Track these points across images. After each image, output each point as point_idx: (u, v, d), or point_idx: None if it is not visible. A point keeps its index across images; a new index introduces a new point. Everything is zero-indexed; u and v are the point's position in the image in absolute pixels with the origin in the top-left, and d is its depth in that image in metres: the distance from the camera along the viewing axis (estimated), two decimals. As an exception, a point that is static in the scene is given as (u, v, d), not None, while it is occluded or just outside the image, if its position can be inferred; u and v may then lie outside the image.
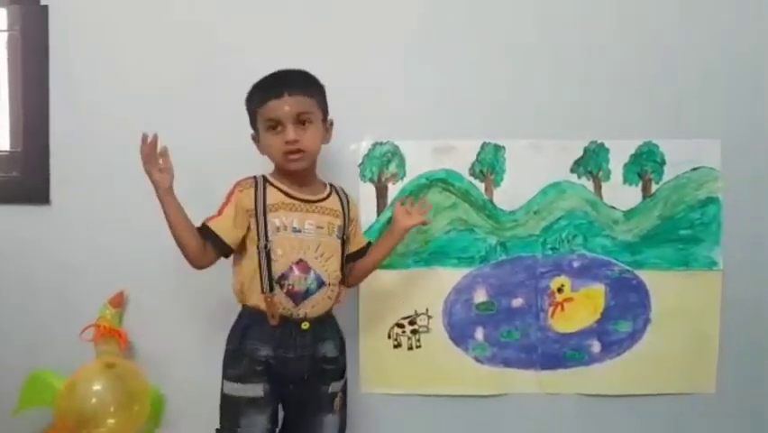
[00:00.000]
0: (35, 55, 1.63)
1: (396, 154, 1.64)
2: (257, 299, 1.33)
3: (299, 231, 1.34)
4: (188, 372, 1.63)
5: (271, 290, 1.32)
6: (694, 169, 1.65)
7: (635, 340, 1.66)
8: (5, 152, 1.67)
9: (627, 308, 1.66)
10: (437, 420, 1.67)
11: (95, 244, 1.63)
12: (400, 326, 1.65)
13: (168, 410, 1.64)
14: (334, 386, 1.40)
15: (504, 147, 1.64)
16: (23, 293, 1.64)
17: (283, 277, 1.32)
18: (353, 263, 1.46)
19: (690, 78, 1.66)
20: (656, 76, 1.65)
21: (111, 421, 1.49)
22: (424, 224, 1.50)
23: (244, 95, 1.54)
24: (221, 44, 1.63)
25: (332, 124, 1.43)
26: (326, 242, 1.36)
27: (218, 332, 1.54)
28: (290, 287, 1.32)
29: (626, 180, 1.65)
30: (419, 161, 1.64)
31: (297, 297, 1.33)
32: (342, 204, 1.42)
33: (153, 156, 1.30)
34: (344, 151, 1.64)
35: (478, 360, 1.65)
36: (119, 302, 1.61)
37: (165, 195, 1.30)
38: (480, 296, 1.65)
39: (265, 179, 1.38)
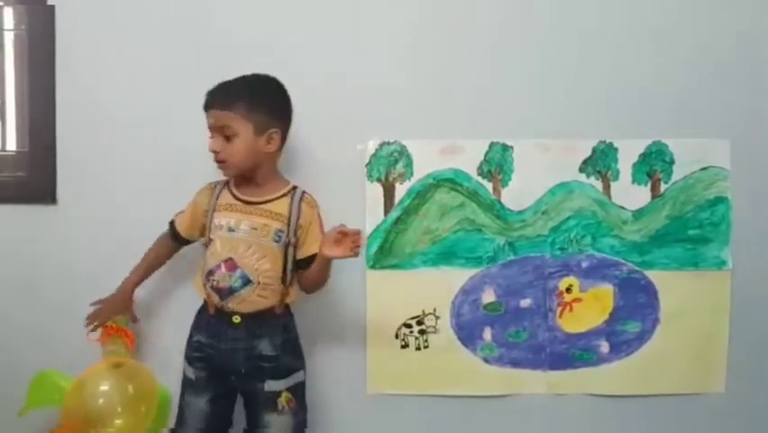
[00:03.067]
0: (42, 55, 1.62)
1: (403, 154, 1.64)
2: (201, 290, 1.45)
3: (234, 231, 1.40)
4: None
5: (204, 284, 1.42)
6: (703, 168, 1.64)
7: (644, 340, 1.65)
8: (12, 151, 1.68)
9: (636, 308, 1.65)
10: (445, 421, 1.66)
11: (101, 244, 1.63)
12: (408, 326, 1.65)
13: (174, 410, 1.63)
14: (271, 384, 1.41)
15: (512, 147, 1.63)
16: (30, 292, 1.64)
17: (210, 273, 1.40)
18: (304, 271, 1.44)
19: (700, 78, 1.65)
20: (665, 75, 1.65)
21: (118, 421, 1.48)
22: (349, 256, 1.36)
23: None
24: (228, 44, 1.63)
25: (275, 134, 1.41)
26: (260, 243, 1.39)
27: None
28: (215, 282, 1.39)
29: (634, 180, 1.64)
30: (427, 161, 1.63)
31: (222, 293, 1.39)
32: (290, 209, 1.41)
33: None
34: (351, 150, 1.63)
35: (486, 360, 1.65)
36: (126, 302, 1.61)
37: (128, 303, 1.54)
38: (488, 296, 1.65)
39: (226, 183, 1.47)
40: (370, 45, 1.64)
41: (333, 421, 1.65)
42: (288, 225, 1.41)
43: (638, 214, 1.64)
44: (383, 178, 1.64)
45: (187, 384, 1.47)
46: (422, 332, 1.65)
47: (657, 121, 1.65)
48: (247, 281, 1.38)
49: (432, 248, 1.63)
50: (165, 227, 1.56)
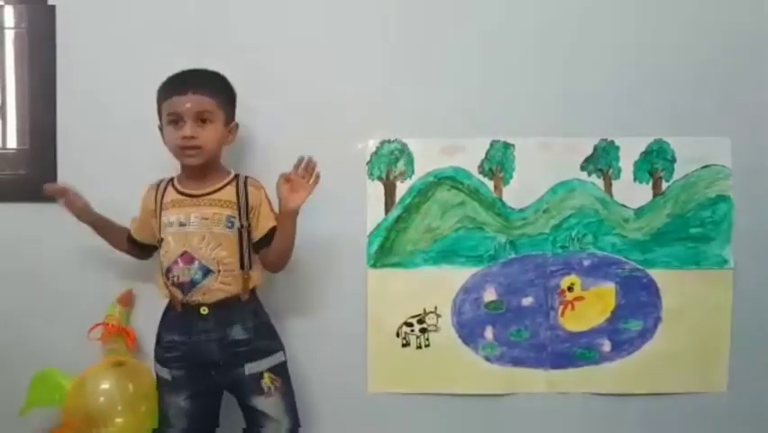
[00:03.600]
0: (42, 53, 1.62)
1: (404, 152, 1.64)
2: (162, 290, 1.45)
3: (185, 225, 1.40)
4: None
5: (165, 282, 1.42)
6: (705, 167, 1.64)
7: (646, 339, 1.65)
8: (13, 149, 1.67)
9: (638, 306, 1.64)
10: (446, 420, 1.66)
11: (103, 243, 1.62)
12: (409, 325, 1.64)
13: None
14: (251, 367, 1.42)
15: (513, 145, 1.63)
16: (31, 291, 1.64)
17: (169, 270, 1.41)
18: (266, 249, 1.44)
19: (701, 76, 1.64)
20: (666, 73, 1.64)
21: (119, 420, 1.48)
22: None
23: (253, 94, 1.55)
24: (228, 43, 1.63)
25: (237, 127, 1.47)
26: (213, 232, 1.40)
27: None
28: (175, 278, 1.40)
29: (636, 178, 1.64)
30: (427, 159, 1.63)
31: (184, 287, 1.39)
32: (238, 194, 1.42)
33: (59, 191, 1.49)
34: (352, 149, 1.63)
35: (487, 359, 1.64)
36: (127, 300, 1.61)
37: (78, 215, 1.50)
38: (490, 295, 1.64)
39: (169, 181, 1.47)
40: (371, 43, 1.64)
41: (334, 420, 1.65)
42: (239, 209, 1.42)
43: (640, 212, 1.64)
44: (384, 176, 1.63)
45: (164, 385, 1.46)
46: (423, 331, 1.64)
47: (659, 119, 1.64)
48: (207, 272, 1.38)
49: (433, 246, 1.63)
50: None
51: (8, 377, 1.59)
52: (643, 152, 1.63)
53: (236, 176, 1.46)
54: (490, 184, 1.64)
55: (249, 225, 1.42)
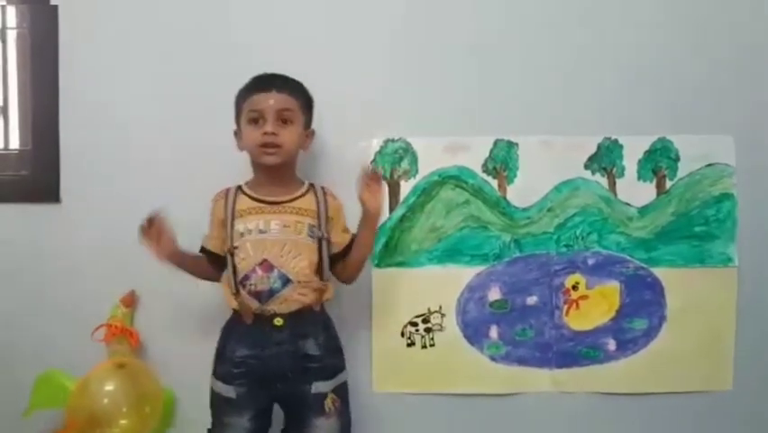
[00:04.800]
0: (45, 53, 1.62)
1: (408, 151, 1.63)
2: (232, 301, 1.38)
3: (265, 232, 1.37)
4: (199, 372, 1.59)
5: (238, 291, 1.36)
6: (708, 165, 1.64)
7: (651, 338, 1.64)
8: (15, 150, 1.67)
9: (643, 305, 1.64)
10: (451, 419, 1.65)
11: (105, 243, 1.62)
12: (414, 324, 1.64)
13: (179, 412, 1.63)
14: (319, 386, 1.37)
15: (517, 144, 1.63)
16: (34, 292, 1.63)
17: (246, 278, 1.36)
18: (344, 261, 1.45)
19: (704, 74, 1.65)
20: (670, 71, 1.64)
21: (123, 422, 1.48)
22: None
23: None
24: (230, 43, 1.62)
25: (313, 133, 1.47)
26: (294, 240, 1.37)
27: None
28: (252, 287, 1.35)
29: (640, 177, 1.63)
30: (431, 158, 1.63)
31: (261, 296, 1.35)
32: (317, 203, 1.41)
33: (155, 236, 1.38)
34: (355, 147, 1.63)
35: (492, 358, 1.64)
36: (130, 301, 1.61)
37: (167, 260, 1.40)
38: (494, 294, 1.64)
39: (238, 189, 1.43)
40: (374, 42, 1.64)
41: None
42: (319, 219, 1.40)
43: (644, 210, 1.64)
44: (388, 175, 1.63)
45: (226, 404, 1.37)
46: (428, 330, 1.64)
47: (662, 117, 1.64)
48: (286, 281, 1.35)
49: (437, 246, 1.63)
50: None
51: (11, 378, 1.59)
52: (646, 151, 1.63)
53: (311, 185, 1.45)
54: (494, 183, 1.63)
55: (328, 236, 1.40)
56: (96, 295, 1.60)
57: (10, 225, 1.63)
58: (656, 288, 1.64)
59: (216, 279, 1.44)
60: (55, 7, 1.62)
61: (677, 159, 1.64)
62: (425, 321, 1.64)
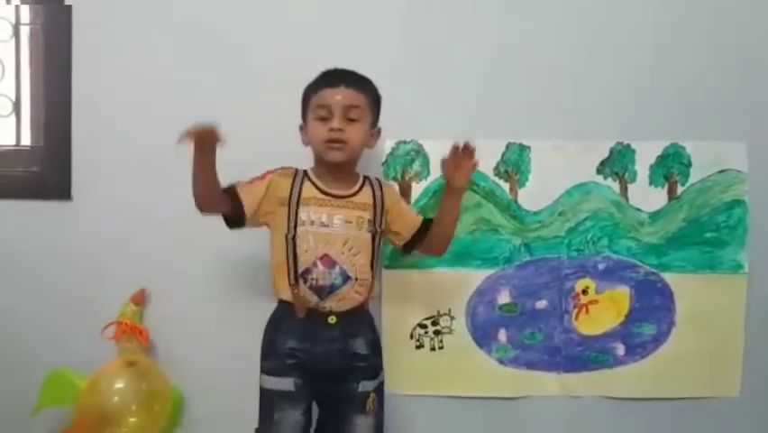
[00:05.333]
0: (58, 50, 1.62)
1: (419, 153, 1.63)
2: (286, 292, 1.35)
3: (327, 226, 1.35)
4: (209, 371, 1.62)
5: (297, 282, 1.33)
6: (720, 171, 1.64)
7: (660, 343, 1.64)
8: (27, 146, 1.67)
9: (652, 310, 1.64)
10: (459, 422, 1.65)
11: (116, 241, 1.62)
12: (423, 326, 1.64)
13: (187, 411, 1.63)
14: (365, 385, 1.37)
15: (529, 147, 1.63)
16: (44, 290, 1.63)
17: (307, 271, 1.33)
18: (425, 240, 1.45)
19: (717, 80, 1.64)
20: (683, 77, 1.64)
21: (132, 420, 1.48)
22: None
23: (268, 91, 1.56)
24: (242, 43, 1.62)
25: (379, 132, 1.45)
26: (355, 236, 1.36)
27: (239, 331, 1.54)
28: (314, 282, 1.33)
29: (651, 182, 1.63)
30: (444, 161, 1.63)
31: (322, 291, 1.33)
32: (374, 196, 1.41)
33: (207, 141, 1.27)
34: (367, 149, 1.62)
35: (501, 361, 1.64)
36: (141, 299, 1.60)
37: (202, 146, 1.28)
38: (504, 297, 1.64)
39: (305, 173, 1.41)
40: (386, 43, 1.63)
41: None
42: (375, 212, 1.39)
43: (655, 216, 1.63)
44: (399, 177, 1.63)
45: (280, 399, 1.34)
46: (437, 333, 1.64)
47: (675, 123, 1.64)
48: (346, 278, 1.34)
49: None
50: (181, 225, 1.56)
51: (21, 376, 1.59)
52: (659, 156, 1.63)
53: (366, 177, 1.44)
54: (506, 186, 1.63)
55: (382, 230, 1.40)
56: (106, 293, 1.60)
57: (21, 221, 1.63)
58: (666, 293, 1.64)
59: (211, 212, 1.34)
60: (69, 7, 1.62)
61: (689, 165, 1.64)
62: (435, 323, 1.64)
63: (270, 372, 1.36)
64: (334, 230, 1.35)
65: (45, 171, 1.64)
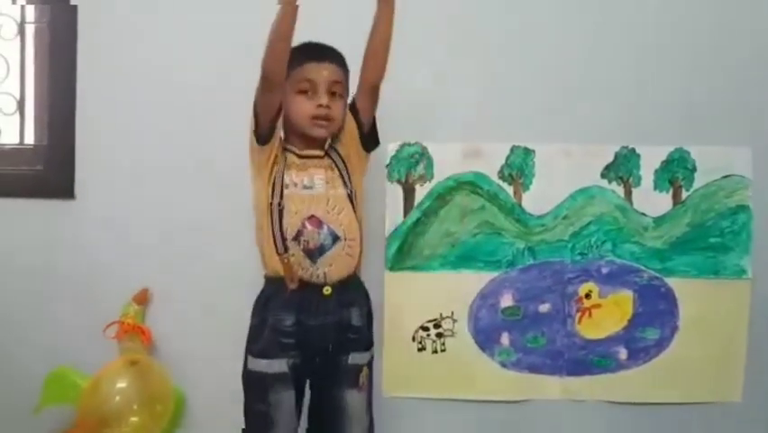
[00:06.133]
0: (63, 48, 1.61)
1: (424, 155, 1.63)
2: (275, 264, 1.29)
3: (310, 187, 1.32)
4: (211, 371, 1.61)
5: (286, 250, 1.28)
6: (725, 176, 1.63)
7: (663, 348, 1.64)
8: (30, 145, 1.67)
9: (655, 315, 1.64)
10: (461, 425, 1.65)
11: (119, 240, 1.62)
12: (425, 329, 1.64)
13: (189, 411, 1.63)
14: (355, 357, 1.32)
15: (533, 151, 1.63)
16: (46, 288, 1.63)
17: (299, 234, 1.29)
18: (356, 96, 1.37)
19: (723, 85, 1.64)
20: (688, 82, 1.64)
21: (134, 419, 1.48)
22: None
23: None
24: (246, 43, 1.60)
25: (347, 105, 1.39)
26: (335, 195, 1.32)
27: (242, 331, 1.53)
28: (306, 243, 1.28)
29: (656, 187, 1.63)
30: (447, 163, 1.62)
31: (314, 253, 1.28)
32: (331, 155, 1.36)
33: None
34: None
35: (503, 365, 1.64)
36: (143, 299, 1.60)
37: None
38: (507, 300, 1.63)
39: (281, 144, 1.35)
40: (393, 47, 1.62)
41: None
42: (341, 169, 1.35)
43: (659, 221, 1.63)
44: (403, 179, 1.63)
45: (273, 380, 1.28)
46: (439, 335, 1.64)
47: (680, 128, 1.64)
48: (335, 238, 1.29)
49: (451, 251, 1.63)
50: (184, 225, 1.57)
51: (23, 374, 1.58)
52: (663, 161, 1.63)
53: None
54: (510, 189, 1.63)
55: (354, 191, 1.35)
56: (108, 292, 1.60)
57: (24, 220, 1.63)
58: (669, 298, 1.64)
59: (276, 69, 1.25)
60: (74, 6, 1.61)
61: (693, 169, 1.63)
62: (437, 326, 1.64)
63: (262, 353, 1.29)
64: (317, 191, 1.31)
65: (48, 170, 1.64)
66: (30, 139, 1.67)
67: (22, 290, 1.63)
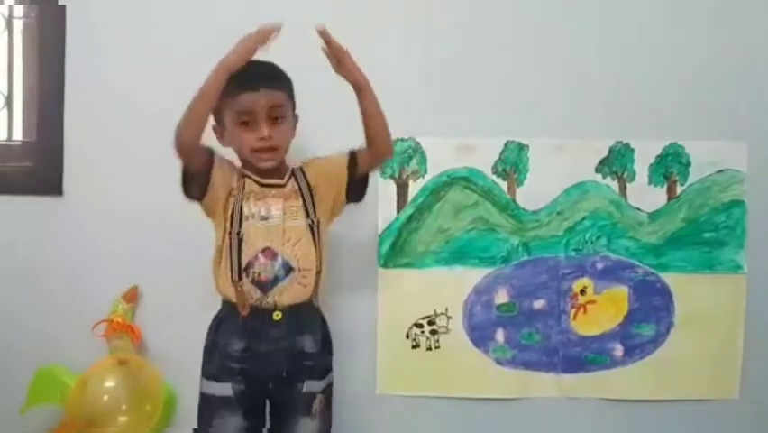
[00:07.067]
0: (51, 44, 1.59)
1: (417, 151, 1.62)
2: (227, 290, 1.29)
3: (266, 218, 1.29)
4: (200, 370, 1.59)
5: (240, 279, 1.27)
6: (720, 171, 1.63)
7: (658, 344, 1.63)
8: (18, 141, 1.65)
9: (651, 311, 1.63)
10: (455, 423, 1.63)
11: (108, 237, 1.60)
12: (419, 326, 1.62)
13: (179, 409, 1.60)
14: (311, 385, 1.32)
15: (528, 146, 1.62)
16: (34, 286, 1.61)
17: (249, 265, 1.28)
18: (362, 164, 1.37)
19: (717, 80, 1.63)
20: (682, 76, 1.63)
21: (122, 419, 1.47)
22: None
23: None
24: (240, 37, 1.60)
25: (297, 119, 1.37)
26: (292, 226, 1.30)
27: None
28: (256, 275, 1.27)
29: (651, 182, 1.62)
30: (441, 159, 1.61)
31: (265, 285, 1.27)
32: (299, 184, 1.34)
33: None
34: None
35: (498, 362, 1.62)
36: (132, 297, 1.58)
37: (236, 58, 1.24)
38: (501, 297, 1.62)
39: (239, 169, 1.34)
40: (384, 41, 1.62)
41: (341, 422, 1.60)
42: (304, 200, 1.33)
43: (654, 216, 1.62)
44: (396, 175, 1.61)
45: (221, 404, 1.29)
46: (433, 332, 1.62)
47: (674, 122, 1.63)
48: (289, 269, 1.28)
49: (445, 247, 1.61)
50: (174, 222, 1.54)
51: (10, 373, 1.56)
52: (658, 156, 1.62)
53: (291, 168, 1.37)
54: (504, 185, 1.62)
55: (318, 221, 1.33)
56: (97, 290, 1.58)
57: (12, 217, 1.61)
58: (665, 293, 1.63)
59: (189, 151, 1.25)
60: (63, 7, 1.60)
61: (688, 164, 1.63)
62: (431, 323, 1.62)
63: (211, 376, 1.30)
64: (273, 221, 1.29)
65: (37, 167, 1.62)
66: (18, 135, 1.65)
67: (10, 288, 1.61)
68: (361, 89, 1.32)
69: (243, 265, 1.28)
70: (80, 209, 1.61)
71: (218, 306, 1.57)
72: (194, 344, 1.57)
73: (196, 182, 1.28)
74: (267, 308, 1.28)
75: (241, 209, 1.29)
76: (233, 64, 1.24)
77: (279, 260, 1.28)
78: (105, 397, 1.45)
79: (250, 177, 1.32)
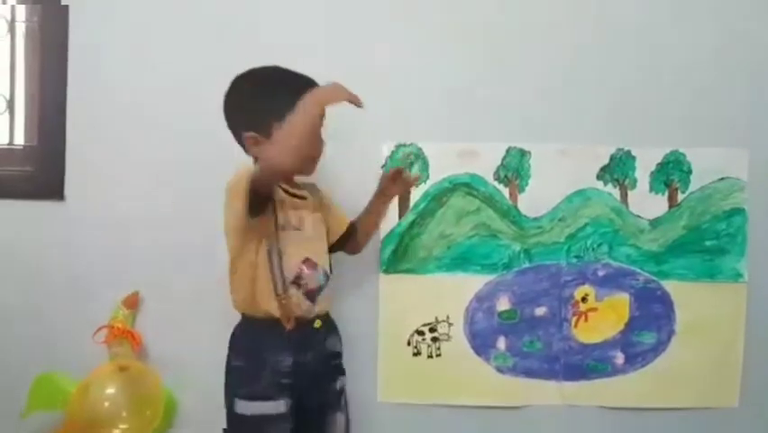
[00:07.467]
0: (54, 49, 1.60)
1: (419, 156, 1.62)
2: (269, 305, 1.25)
3: (299, 229, 1.30)
4: (202, 374, 1.57)
5: (285, 291, 1.25)
6: (721, 179, 1.63)
7: (659, 352, 1.62)
8: (20, 146, 1.64)
9: (652, 318, 1.62)
10: (457, 431, 1.63)
11: (109, 243, 1.60)
12: (420, 333, 1.62)
13: (180, 414, 1.60)
14: (342, 381, 1.37)
15: (529, 152, 1.62)
16: (35, 291, 1.60)
17: (298, 278, 1.27)
18: (351, 239, 1.47)
19: (719, 87, 1.64)
20: (685, 84, 1.63)
21: (123, 426, 1.46)
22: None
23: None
24: (241, 43, 1.60)
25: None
26: (319, 235, 1.36)
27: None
28: (306, 285, 1.28)
29: (652, 189, 1.62)
30: (443, 164, 1.61)
31: (314, 295, 1.29)
32: (312, 195, 1.40)
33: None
34: (367, 151, 1.61)
35: (499, 370, 1.62)
36: (133, 303, 1.58)
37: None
38: (503, 304, 1.62)
39: None
40: (387, 46, 1.62)
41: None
42: (321, 211, 1.40)
43: (655, 223, 1.62)
44: (398, 181, 1.61)
45: (271, 423, 1.23)
46: (434, 339, 1.62)
47: (675, 130, 1.63)
48: (327, 277, 1.33)
49: (446, 253, 1.61)
50: (175, 228, 1.55)
51: (11, 379, 1.55)
52: (659, 163, 1.62)
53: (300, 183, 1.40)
54: (506, 191, 1.62)
55: (327, 228, 1.40)
56: (97, 295, 1.57)
57: (13, 221, 1.60)
58: (666, 301, 1.63)
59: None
60: (66, 7, 1.60)
61: (689, 172, 1.63)
62: (432, 330, 1.62)
63: (258, 396, 1.24)
64: (307, 232, 1.31)
65: (38, 171, 1.61)
66: (20, 140, 1.64)
67: (11, 292, 1.60)
68: (390, 199, 1.50)
69: (291, 278, 1.26)
70: (82, 214, 1.60)
71: (218, 312, 1.58)
72: (194, 350, 1.59)
73: (262, 203, 1.23)
74: (310, 318, 1.29)
75: (276, 219, 1.27)
76: (328, 101, 1.24)
77: (320, 270, 1.31)
78: (106, 403, 1.45)
79: (280, 187, 1.31)
